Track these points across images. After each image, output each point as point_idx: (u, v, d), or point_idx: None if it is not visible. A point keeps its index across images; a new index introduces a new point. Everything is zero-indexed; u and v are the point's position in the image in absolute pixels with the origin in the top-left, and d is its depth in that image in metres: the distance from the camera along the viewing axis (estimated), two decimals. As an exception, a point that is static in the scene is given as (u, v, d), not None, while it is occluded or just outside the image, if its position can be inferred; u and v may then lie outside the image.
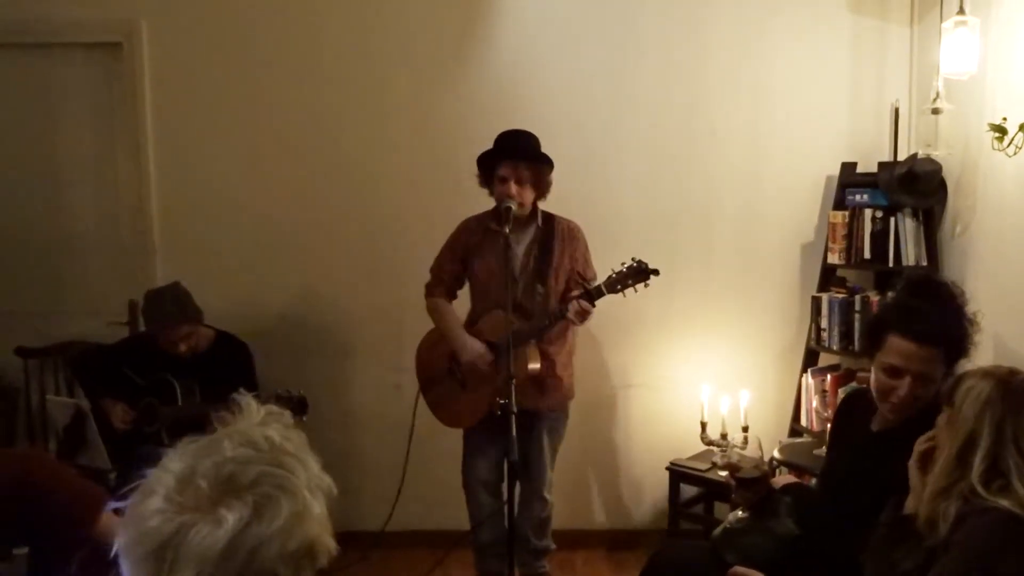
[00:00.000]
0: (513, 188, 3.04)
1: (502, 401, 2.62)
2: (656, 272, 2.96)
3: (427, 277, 3.33)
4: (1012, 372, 1.80)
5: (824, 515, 2.18)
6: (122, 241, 3.92)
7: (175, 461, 0.98)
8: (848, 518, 2.06)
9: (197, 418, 3.17)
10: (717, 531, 2.34)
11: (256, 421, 1.04)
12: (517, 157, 3.06)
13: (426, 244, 3.41)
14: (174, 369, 3.31)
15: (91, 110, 3.88)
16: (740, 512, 2.27)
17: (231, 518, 0.92)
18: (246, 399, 1.07)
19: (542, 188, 3.14)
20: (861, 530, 1.97)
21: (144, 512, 0.94)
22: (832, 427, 2.43)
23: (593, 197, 3.71)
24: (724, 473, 2.35)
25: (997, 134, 2.48)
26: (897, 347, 2.07)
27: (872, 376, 2.16)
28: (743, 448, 3.41)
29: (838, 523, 2.10)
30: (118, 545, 0.96)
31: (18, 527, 1.77)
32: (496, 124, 3.25)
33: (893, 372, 2.08)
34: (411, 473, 3.55)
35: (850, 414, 2.35)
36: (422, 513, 3.79)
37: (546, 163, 3.10)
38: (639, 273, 2.94)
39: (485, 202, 3.23)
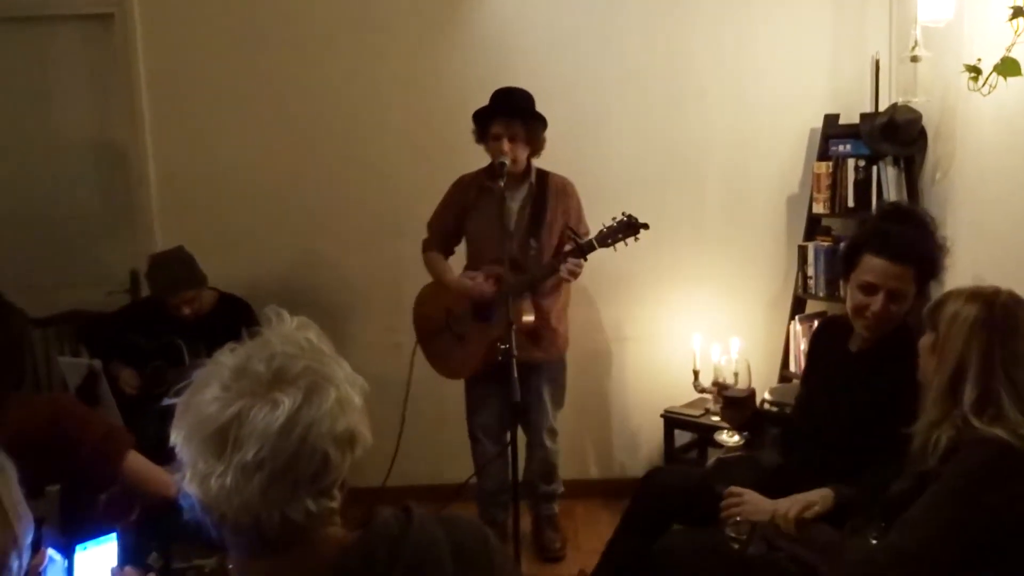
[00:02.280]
0: (506, 145, 3.10)
1: (503, 346, 2.72)
2: (646, 226, 3.05)
3: (423, 237, 3.42)
4: (996, 292, 1.81)
5: (807, 443, 2.29)
6: (121, 210, 3.97)
7: (228, 356, 1.07)
8: (830, 443, 2.16)
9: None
10: (710, 463, 2.46)
11: (293, 327, 1.13)
12: (510, 114, 3.13)
13: (422, 205, 3.50)
14: (180, 331, 3.38)
15: (86, 81, 3.92)
16: (727, 434, 2.39)
17: (286, 401, 1.01)
18: (279, 310, 1.16)
19: (536, 146, 3.21)
20: (844, 453, 2.08)
21: (202, 401, 1.03)
22: (808, 354, 2.54)
23: (584, 156, 3.79)
24: (712, 392, 2.48)
25: (972, 74, 2.57)
26: (871, 265, 2.17)
27: (848, 297, 2.27)
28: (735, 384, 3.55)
29: (821, 450, 2.20)
30: (177, 436, 1.05)
31: (50, 466, 1.85)
32: (488, 84, 3.32)
33: (868, 289, 2.18)
34: (410, 429, 3.64)
35: (826, 339, 2.46)
36: (421, 468, 3.87)
37: (539, 121, 3.17)
38: (629, 227, 3.03)
39: (480, 161, 3.31)
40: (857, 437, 2.13)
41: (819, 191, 3.70)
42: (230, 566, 1.12)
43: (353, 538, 1.09)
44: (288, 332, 1.11)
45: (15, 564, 1.13)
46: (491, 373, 3.13)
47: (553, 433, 3.44)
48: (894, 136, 3.46)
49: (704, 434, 3.74)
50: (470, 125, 3.25)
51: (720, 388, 2.49)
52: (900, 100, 3.38)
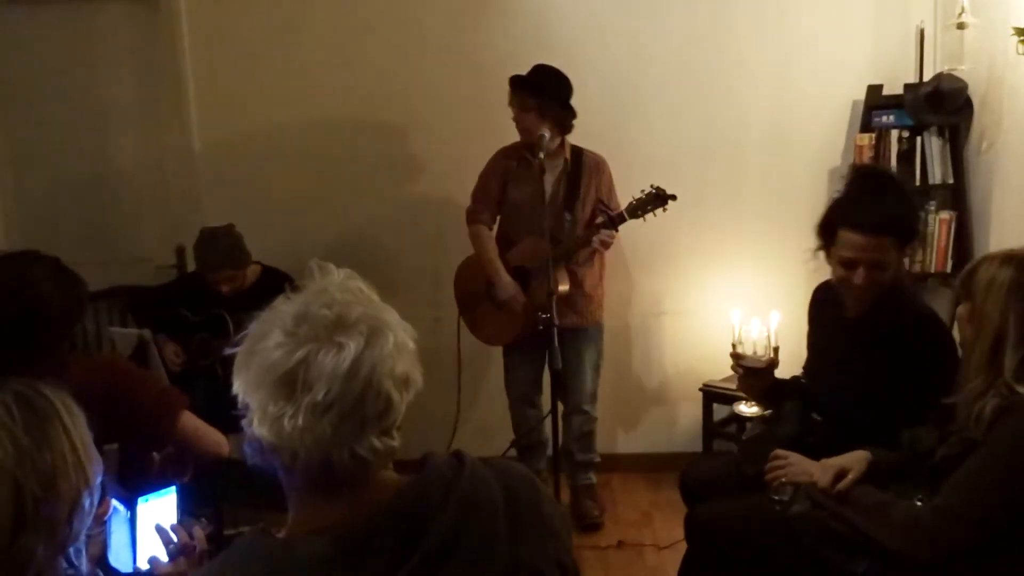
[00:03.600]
0: (515, 112, 3.26)
1: (544, 316, 2.77)
2: (674, 197, 3.17)
3: (462, 214, 3.47)
4: None
5: (821, 412, 2.30)
6: (168, 187, 4.04)
7: (287, 305, 1.10)
8: (840, 412, 2.19)
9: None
10: (737, 450, 2.48)
11: (342, 277, 1.16)
12: (516, 85, 3.26)
13: (461, 183, 3.56)
14: (225, 304, 3.45)
15: (131, 57, 3.97)
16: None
17: (351, 344, 1.04)
18: (323, 263, 1.19)
19: (553, 122, 3.24)
20: (854, 421, 2.08)
21: (266, 347, 1.06)
22: (809, 320, 2.52)
23: (623, 130, 3.79)
24: (732, 363, 2.49)
25: (1022, 38, 2.53)
26: (848, 240, 2.16)
27: (832, 270, 2.26)
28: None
29: (834, 418, 2.22)
30: (240, 384, 1.08)
31: (108, 427, 1.90)
32: (529, 57, 3.37)
33: (848, 264, 2.17)
34: (465, 400, 3.74)
35: (823, 306, 2.44)
36: (480, 438, 3.85)
37: (547, 97, 3.22)
38: (657, 199, 3.17)
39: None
40: (862, 408, 2.14)
41: (861, 163, 3.66)
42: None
43: (408, 481, 1.12)
44: (340, 281, 1.14)
45: (87, 503, 1.18)
46: (528, 338, 3.33)
47: (593, 398, 3.53)
48: (939, 106, 3.42)
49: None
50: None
51: (737, 357, 2.49)
52: (945, 68, 3.33)
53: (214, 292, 3.45)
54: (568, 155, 3.36)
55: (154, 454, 2.07)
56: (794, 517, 1.93)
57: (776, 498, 1.99)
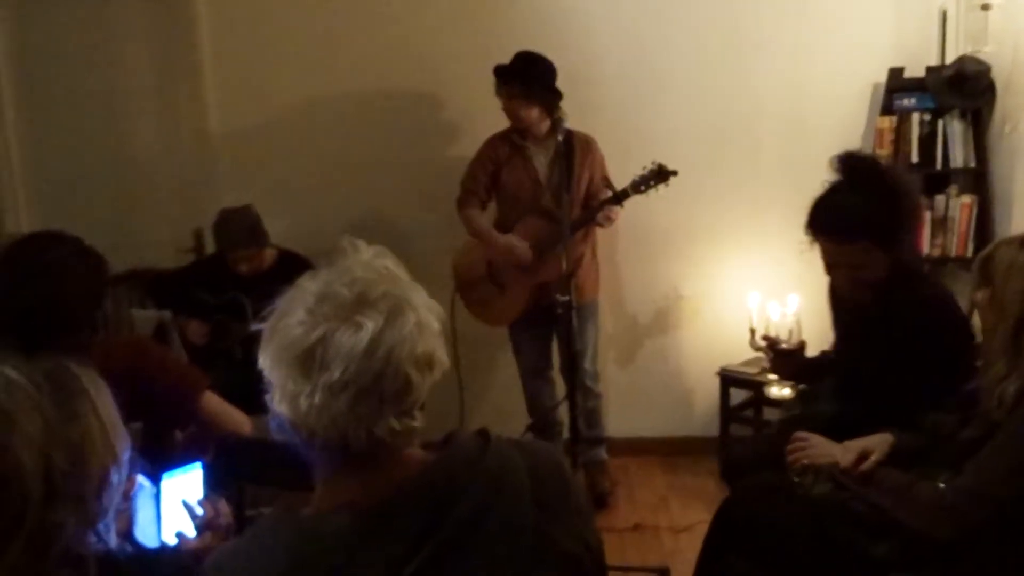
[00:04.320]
0: (504, 102, 3.34)
1: (563, 298, 2.80)
2: (675, 173, 3.24)
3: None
4: None
5: (851, 392, 2.30)
6: (186, 170, 4.04)
7: (310, 282, 1.10)
8: (866, 392, 2.18)
9: (268, 333, 3.36)
10: (773, 427, 2.48)
11: (371, 255, 1.16)
12: (501, 75, 3.34)
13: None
14: (243, 287, 3.47)
15: (148, 41, 3.97)
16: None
17: (369, 324, 1.04)
18: (354, 240, 1.19)
19: (545, 107, 3.31)
20: (879, 402, 2.08)
21: (288, 324, 1.07)
22: (830, 306, 2.52)
23: (640, 113, 3.77)
24: (763, 345, 2.50)
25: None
26: (822, 245, 2.18)
27: None
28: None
29: (864, 397, 2.21)
30: (264, 360, 1.09)
31: (132, 405, 1.91)
32: (549, 38, 3.42)
33: (828, 266, 2.20)
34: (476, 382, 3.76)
35: (840, 296, 2.43)
36: (489, 419, 3.93)
37: (531, 84, 3.28)
38: (659, 175, 3.24)
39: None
40: (878, 393, 2.14)
41: (882, 146, 3.62)
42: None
43: (434, 457, 1.13)
44: (367, 259, 1.14)
45: (115, 478, 1.19)
46: (531, 316, 3.45)
47: (595, 376, 3.62)
48: (962, 89, 3.38)
49: (760, 392, 3.73)
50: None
51: (770, 342, 2.52)
52: (968, 50, 3.29)
53: (233, 274, 3.47)
54: (559, 136, 3.35)
55: (177, 432, 2.09)
56: (816, 499, 1.93)
57: (797, 480, 1.99)
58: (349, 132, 3.93)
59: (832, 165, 2.24)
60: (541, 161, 3.42)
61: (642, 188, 3.25)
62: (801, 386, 2.86)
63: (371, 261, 1.13)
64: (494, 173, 3.50)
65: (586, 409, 3.56)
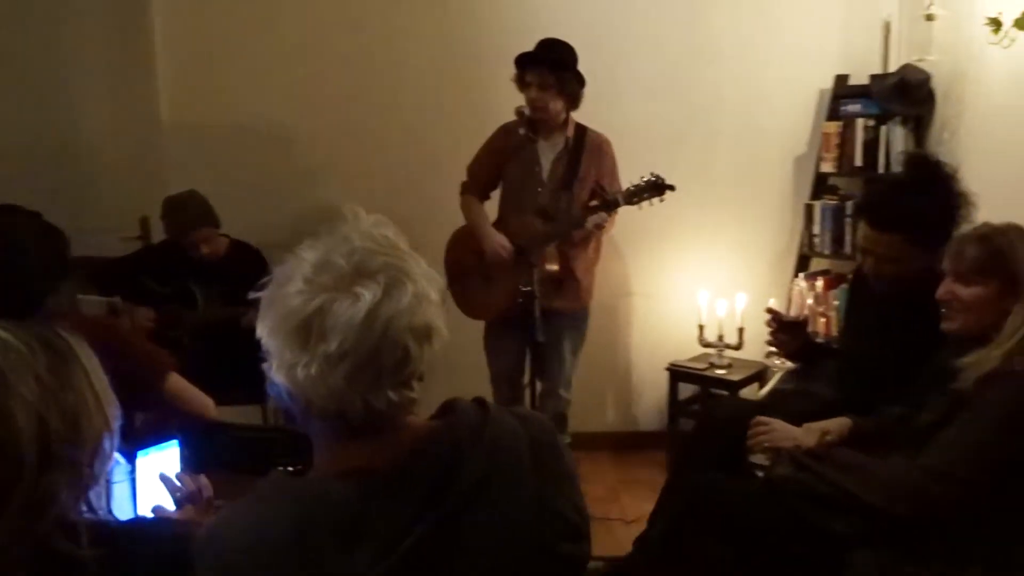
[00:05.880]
0: (535, 92, 3.16)
1: (525, 288, 2.77)
2: (672, 187, 3.12)
3: (449, 189, 3.47)
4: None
5: (855, 379, 2.35)
6: (133, 158, 3.93)
7: (309, 251, 1.09)
8: (876, 377, 2.23)
9: (219, 322, 3.30)
10: (764, 392, 2.52)
11: (370, 224, 1.16)
12: (541, 63, 3.17)
13: (448, 157, 3.55)
14: (193, 276, 3.41)
15: (98, 21, 3.86)
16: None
17: (367, 295, 1.03)
18: (356, 208, 1.19)
19: (570, 99, 3.23)
20: (888, 385, 2.14)
21: (286, 294, 1.06)
22: (848, 292, 2.60)
23: (598, 112, 3.78)
24: (769, 317, 2.53)
25: (993, 27, 2.63)
26: (862, 229, 2.23)
27: None
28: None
29: (867, 386, 2.27)
30: (262, 329, 1.08)
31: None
32: (505, 39, 3.40)
33: (862, 251, 2.26)
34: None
35: (862, 280, 2.49)
36: None
37: (571, 73, 3.20)
38: (656, 187, 3.11)
39: (505, 116, 3.32)
40: (885, 382, 2.19)
41: (828, 150, 3.76)
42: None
43: (438, 424, 1.13)
44: (366, 229, 1.13)
45: (107, 445, 1.17)
46: (510, 319, 3.23)
47: (568, 384, 3.51)
48: (905, 96, 3.52)
49: (707, 387, 3.83)
50: (492, 74, 3.31)
51: (775, 314, 2.52)
52: (912, 59, 3.44)
53: (183, 262, 3.40)
54: (571, 132, 3.32)
55: (136, 415, 2.04)
56: (777, 480, 1.98)
57: (757, 463, 2.05)
58: (300, 127, 3.89)
59: (901, 159, 2.31)
60: (547, 157, 3.30)
61: (635, 200, 3.11)
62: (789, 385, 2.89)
63: (370, 231, 1.13)
64: (499, 164, 3.37)
65: (555, 413, 3.47)
